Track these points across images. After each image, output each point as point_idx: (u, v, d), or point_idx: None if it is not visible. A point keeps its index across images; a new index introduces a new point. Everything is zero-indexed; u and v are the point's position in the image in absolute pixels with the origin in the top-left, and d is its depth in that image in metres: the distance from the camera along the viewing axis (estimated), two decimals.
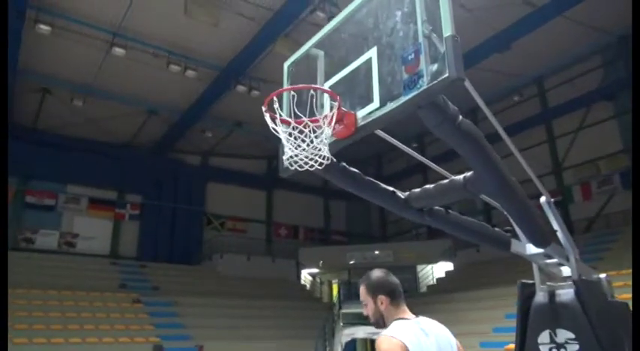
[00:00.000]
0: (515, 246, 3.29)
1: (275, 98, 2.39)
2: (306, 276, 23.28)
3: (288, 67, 3.23)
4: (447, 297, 16.75)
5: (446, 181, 2.90)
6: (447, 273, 21.08)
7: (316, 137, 2.47)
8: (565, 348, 3.09)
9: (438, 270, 22.07)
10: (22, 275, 14.34)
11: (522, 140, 17.03)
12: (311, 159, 2.40)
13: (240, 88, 15.78)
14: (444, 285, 19.73)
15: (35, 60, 14.74)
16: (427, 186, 3.00)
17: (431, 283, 21.82)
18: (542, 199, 3.28)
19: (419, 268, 22.88)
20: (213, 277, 18.78)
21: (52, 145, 18.52)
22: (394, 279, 2.47)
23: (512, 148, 2.92)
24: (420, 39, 2.26)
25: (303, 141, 2.45)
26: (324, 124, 2.47)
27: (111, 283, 15.82)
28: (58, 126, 18.27)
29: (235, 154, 22.87)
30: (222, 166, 22.82)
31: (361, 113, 2.53)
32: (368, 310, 2.44)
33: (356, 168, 2.91)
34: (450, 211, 3.20)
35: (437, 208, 3.16)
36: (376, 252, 22.10)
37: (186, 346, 13.09)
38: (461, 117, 2.33)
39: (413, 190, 3.08)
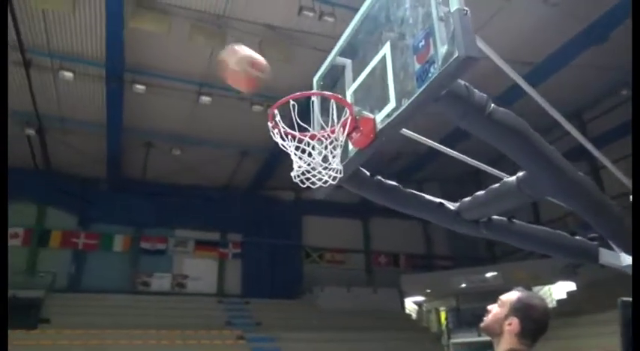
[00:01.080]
0: (604, 256, 2.71)
1: (277, 111, 2.20)
2: (410, 305, 22.32)
3: (317, 81, 3.06)
4: (570, 321, 14.95)
5: (497, 185, 2.47)
6: (569, 294, 18.98)
7: (334, 148, 2.23)
8: None
9: (557, 291, 19.96)
10: (140, 317, 15.38)
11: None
12: (325, 174, 2.16)
13: None
14: (565, 307, 17.72)
15: (136, 117, 16.16)
16: (478, 193, 2.59)
17: (550, 305, 19.74)
18: None
19: (534, 290, 20.87)
20: (314, 311, 18.67)
21: (159, 194, 20.06)
22: (545, 317, 2.00)
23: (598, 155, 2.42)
24: (430, 22, 1.97)
25: (320, 153, 2.23)
26: (339, 133, 2.23)
27: (217, 321, 16.36)
28: (163, 175, 19.76)
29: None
30: (315, 198, 22.95)
31: (379, 117, 2.25)
32: (492, 315, 2.00)
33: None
34: (513, 220, 2.73)
35: (496, 217, 2.72)
36: (488, 275, 20.64)
37: None
38: (492, 106, 1.96)
39: (463, 199, 2.68)
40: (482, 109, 1.92)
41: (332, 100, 2.38)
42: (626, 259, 2.70)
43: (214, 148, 18.53)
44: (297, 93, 2.30)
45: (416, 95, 1.92)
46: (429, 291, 21.03)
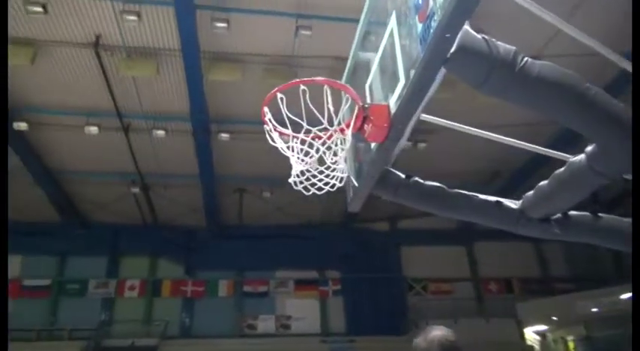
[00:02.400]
0: None
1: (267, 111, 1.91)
2: (531, 335, 20.15)
3: (346, 82, 2.75)
4: None
5: (561, 169, 1.93)
6: None
7: (340, 150, 1.89)
8: None
9: None
10: None
11: None
12: (327, 175, 1.82)
13: (405, 144, 15.45)
14: None
15: (226, 165, 16.84)
16: (542, 183, 2.05)
17: None
18: None
19: None
20: None
21: (256, 237, 20.56)
22: None
23: None
24: None
25: (324, 154, 1.89)
26: (348, 129, 1.89)
27: None
28: (257, 218, 20.26)
29: (423, 214, 22.05)
30: (412, 227, 22.13)
31: (392, 101, 1.87)
32: None
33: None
34: (600, 214, 2.13)
35: (575, 213, 2.14)
36: (622, 296, 18.12)
37: None
38: (526, 59, 1.51)
39: (526, 194, 2.15)
40: (512, 64, 1.48)
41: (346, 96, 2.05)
42: None
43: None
44: (297, 80, 2.01)
45: (421, 59, 1.53)
46: (555, 318, 18.86)
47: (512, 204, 2.25)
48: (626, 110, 1.60)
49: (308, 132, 1.95)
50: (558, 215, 2.15)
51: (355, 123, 1.87)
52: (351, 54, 2.58)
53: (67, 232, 19.43)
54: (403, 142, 2.01)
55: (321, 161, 1.94)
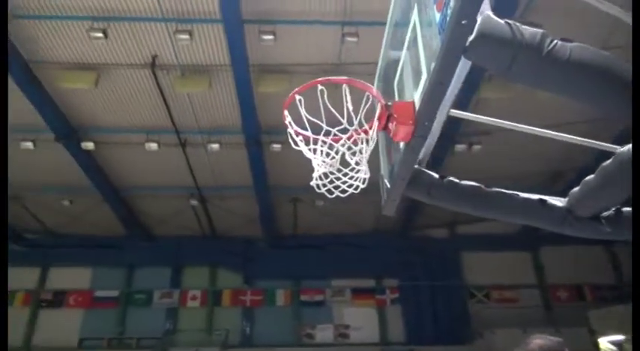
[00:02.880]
0: None
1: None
2: (606, 345, 18.81)
3: (378, 84, 2.69)
4: None
5: (608, 161, 1.77)
6: None
7: (359, 153, 1.84)
8: None
9: None
10: None
11: None
12: (351, 178, 1.78)
13: (459, 147, 15.03)
14: None
15: (279, 175, 17.07)
16: (588, 178, 1.90)
17: None
18: None
19: None
20: None
21: (311, 246, 20.67)
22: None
23: None
24: None
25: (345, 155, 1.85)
26: (372, 131, 1.84)
27: None
28: (312, 227, 20.37)
29: (483, 219, 21.31)
30: (472, 232, 21.41)
31: (417, 96, 1.80)
32: None
33: None
34: None
35: (628, 210, 1.96)
36: None
37: None
38: (555, 41, 1.40)
39: (573, 190, 1.99)
40: (538, 48, 1.37)
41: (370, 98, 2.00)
42: None
43: (358, 193, 18.57)
44: (315, 80, 1.98)
45: (440, 50, 1.45)
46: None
47: (558, 202, 2.09)
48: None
49: (328, 134, 1.91)
50: (610, 212, 1.98)
51: (380, 122, 1.81)
52: (381, 54, 2.52)
53: (134, 245, 20.38)
54: (433, 141, 1.92)
55: (345, 163, 1.90)
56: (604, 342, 18.76)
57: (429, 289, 20.26)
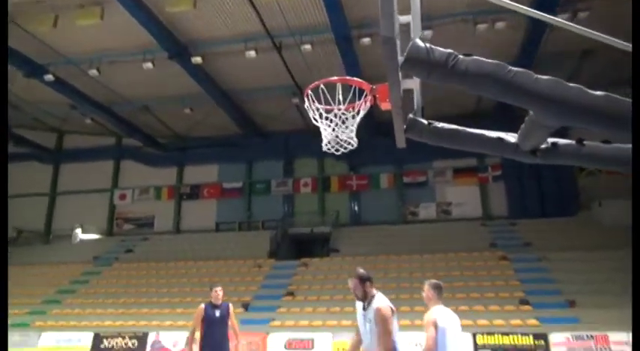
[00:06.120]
0: None
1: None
2: None
3: None
4: None
5: (528, 117, 2.47)
6: None
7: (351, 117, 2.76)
8: None
9: None
10: (408, 244, 17.31)
11: None
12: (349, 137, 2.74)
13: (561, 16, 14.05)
14: None
15: (371, 69, 17.47)
16: (526, 119, 2.58)
17: None
18: None
19: None
20: (590, 228, 17.11)
21: None
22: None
23: None
24: None
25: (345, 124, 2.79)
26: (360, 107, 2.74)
27: (481, 244, 16.91)
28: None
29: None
30: None
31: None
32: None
33: None
34: (585, 142, 2.62)
35: (564, 142, 2.66)
36: None
37: (554, 300, 12.72)
38: (458, 58, 2.16)
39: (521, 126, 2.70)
40: (445, 65, 2.11)
41: None
42: None
43: None
44: (329, 78, 2.86)
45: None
46: None
47: (511, 138, 2.79)
48: (550, 80, 2.08)
49: (329, 111, 2.82)
50: (546, 144, 2.65)
51: (372, 100, 2.69)
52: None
53: (250, 143, 22.84)
54: (419, 98, 2.72)
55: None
56: None
57: (533, 165, 20.23)
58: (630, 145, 2.52)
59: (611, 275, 13.10)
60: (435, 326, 3.73)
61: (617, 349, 11.26)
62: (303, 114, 21.33)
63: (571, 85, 2.13)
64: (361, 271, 3.71)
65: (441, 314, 3.84)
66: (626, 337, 11.28)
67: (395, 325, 3.46)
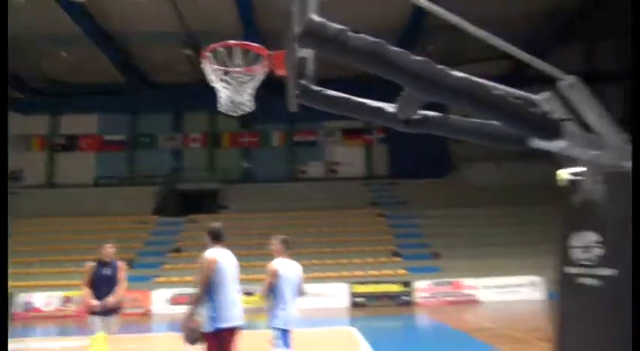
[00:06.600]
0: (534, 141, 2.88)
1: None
2: (566, 177, 20.93)
3: None
4: None
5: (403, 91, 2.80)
6: None
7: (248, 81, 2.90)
8: (590, 251, 2.65)
9: None
10: (297, 202, 17.91)
11: None
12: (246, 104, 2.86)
13: None
14: None
15: (266, 21, 17.19)
16: (403, 92, 2.91)
17: None
18: (565, 82, 2.72)
19: None
20: (460, 188, 19.10)
21: None
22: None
23: None
24: None
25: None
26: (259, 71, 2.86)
27: (362, 202, 18.11)
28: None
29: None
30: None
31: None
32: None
33: None
34: (449, 115, 3.04)
35: (433, 114, 3.05)
36: None
37: (422, 253, 14.27)
38: (348, 35, 2.36)
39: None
40: (336, 40, 2.32)
41: None
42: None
43: None
44: (228, 42, 2.92)
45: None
46: None
47: (390, 108, 3.13)
48: (422, 61, 2.40)
49: (226, 74, 2.91)
50: (419, 116, 3.04)
51: (269, 66, 2.83)
52: None
53: (135, 93, 21.35)
54: (311, 65, 2.90)
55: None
56: (564, 173, 20.87)
57: None
58: (488, 121, 2.99)
59: (473, 230, 14.96)
60: (275, 275, 4.24)
61: (469, 292, 13.12)
62: (195, 66, 20.46)
63: (439, 66, 2.47)
64: (211, 226, 4.03)
65: (283, 265, 4.35)
66: (475, 282, 13.17)
67: (223, 275, 3.78)
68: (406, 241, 15.04)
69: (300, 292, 4.41)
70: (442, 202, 17.84)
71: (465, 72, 2.54)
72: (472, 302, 12.79)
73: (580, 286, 2.77)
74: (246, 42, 3.02)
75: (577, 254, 2.77)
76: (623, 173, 2.60)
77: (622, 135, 2.70)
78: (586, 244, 2.71)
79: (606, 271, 2.56)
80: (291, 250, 4.56)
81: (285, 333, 4.21)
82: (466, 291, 13.10)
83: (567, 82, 2.72)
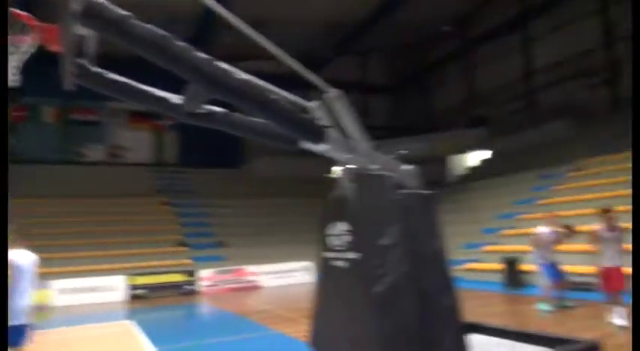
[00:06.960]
0: (303, 143, 3.29)
1: None
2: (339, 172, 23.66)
3: None
4: (470, 186, 16.60)
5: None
6: (483, 161, 20.51)
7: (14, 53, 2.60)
8: (342, 238, 3.19)
9: (473, 159, 21.59)
10: (74, 186, 16.07)
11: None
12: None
13: None
14: (473, 175, 19.39)
15: None
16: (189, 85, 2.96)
17: (464, 173, 21.48)
18: (330, 94, 3.17)
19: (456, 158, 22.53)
20: (248, 180, 19.79)
21: None
22: None
23: None
24: None
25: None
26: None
27: (148, 189, 17.30)
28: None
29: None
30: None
31: None
32: None
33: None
34: (232, 113, 3.22)
35: (218, 110, 3.18)
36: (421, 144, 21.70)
37: (208, 241, 14.44)
38: (132, 22, 2.30)
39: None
40: (117, 25, 2.26)
41: None
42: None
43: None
44: None
45: None
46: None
47: (176, 99, 3.17)
48: (204, 59, 2.54)
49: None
50: (204, 111, 3.17)
51: (39, 39, 2.56)
52: None
53: None
54: (93, 44, 2.71)
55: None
56: (335, 170, 23.50)
57: None
58: (266, 121, 3.25)
59: (257, 220, 15.70)
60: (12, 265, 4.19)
61: (251, 278, 13.80)
62: None
63: (221, 65, 2.61)
64: None
65: (17, 254, 4.36)
66: (257, 268, 13.94)
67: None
68: (193, 231, 14.95)
69: (34, 285, 4.42)
70: (230, 192, 18.23)
71: (254, 68, 2.76)
72: (254, 288, 13.48)
73: (333, 268, 3.28)
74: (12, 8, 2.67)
75: (332, 241, 3.27)
76: (369, 174, 3.18)
77: (370, 142, 3.28)
78: (339, 232, 3.21)
79: (352, 255, 3.09)
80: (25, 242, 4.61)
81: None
82: (249, 278, 13.73)
83: (332, 94, 3.16)
